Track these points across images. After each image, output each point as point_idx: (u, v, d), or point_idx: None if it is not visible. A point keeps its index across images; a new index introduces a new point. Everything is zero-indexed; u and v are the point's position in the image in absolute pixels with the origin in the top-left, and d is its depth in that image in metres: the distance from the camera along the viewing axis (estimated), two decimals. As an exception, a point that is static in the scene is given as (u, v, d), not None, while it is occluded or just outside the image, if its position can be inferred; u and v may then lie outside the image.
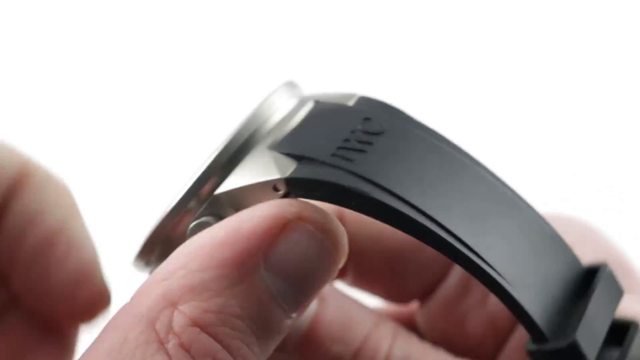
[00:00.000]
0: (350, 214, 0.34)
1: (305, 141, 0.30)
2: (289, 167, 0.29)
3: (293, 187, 0.29)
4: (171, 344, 0.27)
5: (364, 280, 0.37)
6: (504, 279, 0.28)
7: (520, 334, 0.35)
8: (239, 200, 0.29)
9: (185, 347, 0.27)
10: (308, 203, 0.29)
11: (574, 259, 0.30)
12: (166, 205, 0.30)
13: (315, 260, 0.29)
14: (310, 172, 0.28)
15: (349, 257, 0.31)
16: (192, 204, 0.30)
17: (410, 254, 0.36)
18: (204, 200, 0.30)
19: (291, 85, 0.32)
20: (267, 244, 0.28)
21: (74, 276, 0.37)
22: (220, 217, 0.29)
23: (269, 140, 0.30)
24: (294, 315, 0.29)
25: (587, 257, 0.33)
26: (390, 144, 0.29)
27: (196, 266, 0.28)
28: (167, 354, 0.27)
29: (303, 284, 0.29)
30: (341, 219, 0.34)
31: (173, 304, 0.27)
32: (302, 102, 0.31)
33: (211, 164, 0.29)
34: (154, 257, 0.31)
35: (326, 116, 0.30)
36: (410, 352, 0.35)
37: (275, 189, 0.29)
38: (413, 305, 0.38)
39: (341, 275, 0.37)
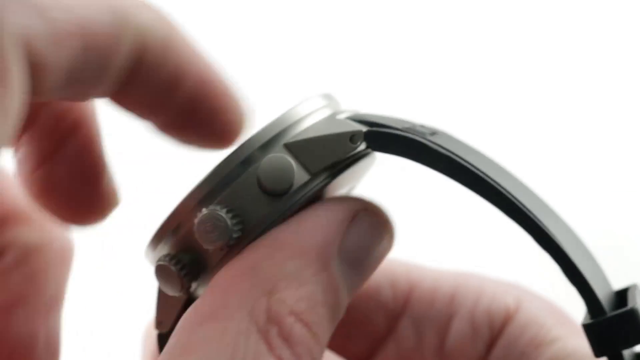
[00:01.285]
0: None
1: (375, 118, 0.30)
2: (363, 127, 0.29)
3: (372, 139, 0.29)
4: (272, 334, 0.27)
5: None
6: (571, 255, 0.29)
7: None
8: (306, 152, 0.29)
9: (284, 337, 0.27)
10: (367, 198, 0.30)
11: (605, 275, 0.31)
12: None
13: (377, 249, 0.30)
14: (388, 130, 0.29)
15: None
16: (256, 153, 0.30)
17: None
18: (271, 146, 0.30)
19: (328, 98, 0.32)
20: (342, 234, 0.29)
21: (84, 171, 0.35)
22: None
23: (346, 113, 0.31)
24: (349, 301, 0.29)
25: (528, 308, 0.35)
26: (450, 139, 0.30)
27: (282, 256, 0.28)
28: (269, 343, 0.27)
29: (364, 271, 0.30)
30: None
31: (267, 294, 0.28)
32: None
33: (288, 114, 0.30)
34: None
35: (388, 117, 0.31)
36: None
37: (352, 141, 0.29)
38: None
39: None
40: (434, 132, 0.30)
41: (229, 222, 0.29)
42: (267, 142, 0.29)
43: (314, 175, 0.29)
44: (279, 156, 0.29)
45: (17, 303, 0.34)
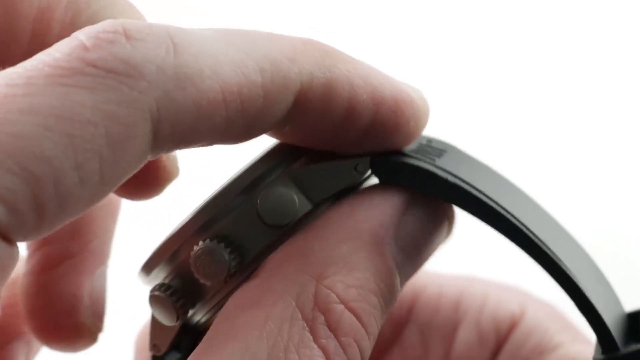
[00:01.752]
0: None
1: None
2: (366, 157, 0.28)
3: (378, 169, 0.28)
4: (318, 322, 0.26)
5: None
6: (584, 288, 0.28)
7: None
8: (316, 179, 0.28)
9: (331, 327, 0.26)
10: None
11: (618, 298, 0.30)
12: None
13: (434, 236, 0.29)
14: (393, 158, 0.28)
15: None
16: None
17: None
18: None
19: None
20: (397, 218, 0.28)
21: None
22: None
23: None
24: (402, 288, 0.28)
25: (533, 314, 0.35)
26: (459, 157, 0.29)
27: (332, 239, 0.27)
28: (315, 333, 0.26)
29: (420, 258, 0.29)
30: None
31: (315, 278, 0.26)
32: None
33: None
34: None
35: None
36: None
37: (357, 170, 0.28)
38: None
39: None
40: (442, 152, 0.29)
41: (226, 256, 0.27)
42: (268, 169, 0.28)
43: (316, 206, 0.28)
44: (280, 190, 0.28)
45: (62, 258, 0.33)
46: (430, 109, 0.29)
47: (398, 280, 0.28)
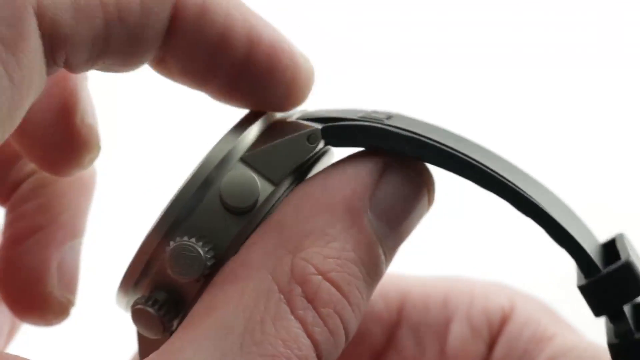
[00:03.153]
0: None
1: (326, 114, 0.29)
2: (318, 125, 0.29)
3: (330, 135, 0.28)
4: (295, 294, 0.26)
5: None
6: (559, 220, 0.28)
7: None
8: (264, 162, 0.28)
9: (308, 298, 0.26)
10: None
11: (591, 230, 0.30)
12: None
13: (414, 203, 0.28)
14: (342, 124, 0.28)
15: None
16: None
17: None
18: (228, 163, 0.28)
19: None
20: (372, 186, 0.28)
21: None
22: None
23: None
24: (389, 260, 0.28)
25: (524, 307, 0.35)
26: (406, 118, 0.29)
27: (307, 212, 0.27)
28: (292, 305, 0.26)
29: (402, 227, 0.28)
30: None
31: (291, 252, 0.26)
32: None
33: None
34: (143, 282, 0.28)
35: (339, 109, 0.30)
36: None
37: (310, 141, 0.28)
38: None
39: None
40: (389, 116, 0.29)
41: (200, 250, 0.27)
42: (222, 160, 0.28)
43: (278, 185, 0.28)
44: (239, 172, 0.28)
45: (29, 233, 0.33)
46: (314, 74, 0.29)
47: (380, 250, 0.27)
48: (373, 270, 0.27)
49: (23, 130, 0.31)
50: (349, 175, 0.27)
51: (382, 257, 0.28)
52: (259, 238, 0.27)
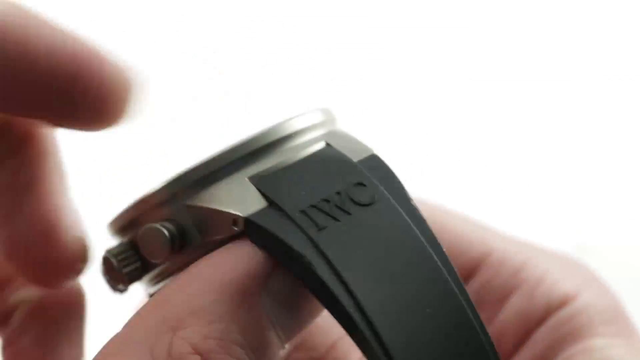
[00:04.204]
0: None
1: (286, 186, 0.28)
2: (256, 207, 0.28)
3: (249, 229, 0.28)
4: None
5: None
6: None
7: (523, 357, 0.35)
8: (200, 218, 0.29)
9: None
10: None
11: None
12: (143, 192, 0.29)
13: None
14: (268, 222, 0.28)
15: None
16: (167, 200, 0.29)
17: None
18: (174, 203, 0.29)
19: (320, 114, 0.30)
20: (270, 267, 0.27)
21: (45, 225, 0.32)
22: (180, 228, 0.29)
23: (260, 168, 0.29)
24: (287, 346, 0.27)
25: (585, 299, 0.34)
26: (366, 219, 0.28)
27: (196, 290, 0.26)
28: None
29: (303, 312, 0.27)
30: None
31: (172, 330, 0.26)
32: (317, 139, 0.30)
33: (193, 171, 0.29)
34: (123, 238, 0.30)
35: (324, 165, 0.29)
36: None
37: (234, 224, 0.28)
38: None
39: None
40: (362, 204, 0.28)
41: (168, 236, 0.28)
42: (170, 196, 0.28)
43: (204, 243, 0.28)
44: (160, 227, 0.28)
45: (28, 186, 0.32)
46: (131, 86, 0.28)
47: (274, 335, 0.26)
48: (265, 354, 0.26)
49: (10, 251, 0.32)
50: (244, 255, 0.27)
51: (276, 341, 0.27)
52: (145, 312, 0.26)
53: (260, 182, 0.28)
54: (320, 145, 0.29)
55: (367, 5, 0.76)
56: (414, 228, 0.28)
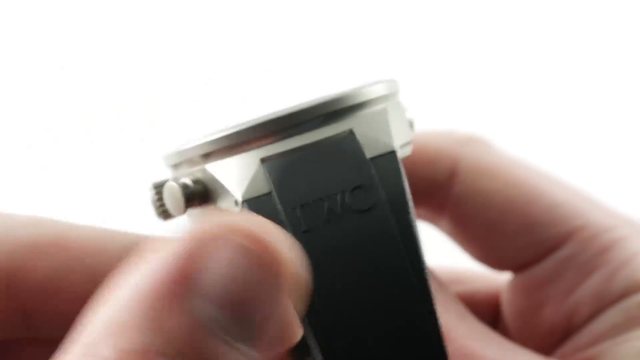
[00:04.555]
0: (467, 163, 0.35)
1: (292, 175, 0.28)
2: (258, 191, 0.28)
3: (247, 211, 0.28)
4: None
5: (462, 232, 0.36)
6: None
7: (579, 340, 0.35)
8: (215, 187, 0.29)
9: None
10: (246, 214, 0.26)
11: None
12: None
13: (254, 279, 0.24)
14: (261, 211, 0.27)
15: (454, 204, 0.32)
16: (193, 159, 0.29)
17: (521, 224, 0.35)
18: (198, 164, 0.29)
19: (351, 95, 0.29)
20: (193, 268, 0.23)
21: None
22: (199, 189, 0.29)
23: (276, 149, 0.29)
24: (246, 346, 0.24)
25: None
26: (354, 227, 0.28)
27: (114, 304, 0.24)
28: None
29: (245, 309, 0.24)
30: (455, 168, 0.35)
31: (92, 350, 0.23)
32: (343, 124, 0.29)
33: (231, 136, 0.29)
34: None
35: (336, 157, 0.29)
36: (473, 333, 0.34)
37: (236, 203, 0.28)
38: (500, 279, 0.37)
39: (436, 219, 0.37)
40: (355, 210, 0.28)
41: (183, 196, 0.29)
42: (197, 157, 0.29)
43: (219, 209, 0.29)
44: (173, 184, 0.30)
45: None
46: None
47: (218, 338, 0.23)
48: None
49: None
50: (164, 258, 0.24)
51: (225, 345, 0.24)
52: (71, 340, 0.24)
53: (270, 166, 0.28)
54: (343, 131, 0.29)
55: (367, 6, 0.76)
56: (399, 243, 0.27)
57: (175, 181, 0.29)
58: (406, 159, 0.30)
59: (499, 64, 0.73)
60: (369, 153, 0.29)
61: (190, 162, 0.30)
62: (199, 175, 0.29)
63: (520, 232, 0.35)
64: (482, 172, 0.35)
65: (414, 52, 0.74)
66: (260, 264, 0.24)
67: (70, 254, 0.29)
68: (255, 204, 0.28)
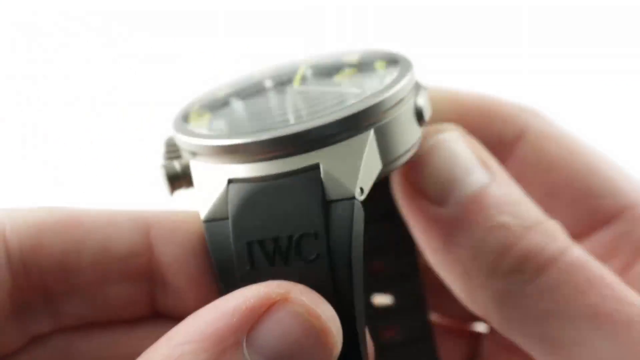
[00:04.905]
0: (535, 128, 0.36)
1: (251, 206, 0.29)
2: (219, 214, 0.29)
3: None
4: None
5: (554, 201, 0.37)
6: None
7: None
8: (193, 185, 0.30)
9: None
10: (299, 285, 0.28)
11: None
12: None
13: (301, 342, 0.27)
14: (214, 238, 0.29)
15: (517, 163, 0.34)
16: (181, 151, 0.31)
17: (581, 191, 0.37)
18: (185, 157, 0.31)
19: (323, 127, 0.29)
20: (250, 322, 0.27)
21: None
22: (185, 177, 0.31)
23: (245, 173, 0.29)
24: None
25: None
26: (295, 275, 0.28)
27: (179, 339, 0.27)
28: None
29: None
30: (524, 131, 0.36)
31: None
32: (310, 157, 0.29)
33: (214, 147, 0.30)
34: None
35: (293, 197, 0.29)
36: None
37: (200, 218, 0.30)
38: None
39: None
40: (303, 257, 0.28)
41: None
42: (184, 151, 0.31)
43: None
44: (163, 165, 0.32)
45: None
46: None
47: None
48: None
49: None
50: (228, 309, 0.27)
51: None
52: None
53: (234, 192, 0.29)
54: (309, 165, 0.29)
55: (365, 8, 0.76)
56: (333, 298, 0.28)
57: (166, 162, 0.31)
58: (476, 116, 0.33)
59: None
60: (328, 194, 0.29)
61: (182, 150, 0.31)
62: (188, 163, 0.30)
63: (578, 199, 0.36)
64: (549, 138, 0.37)
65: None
66: (310, 330, 0.27)
67: (82, 229, 0.31)
68: (213, 227, 0.29)
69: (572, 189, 0.37)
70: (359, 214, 0.28)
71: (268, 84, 0.34)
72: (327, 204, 0.28)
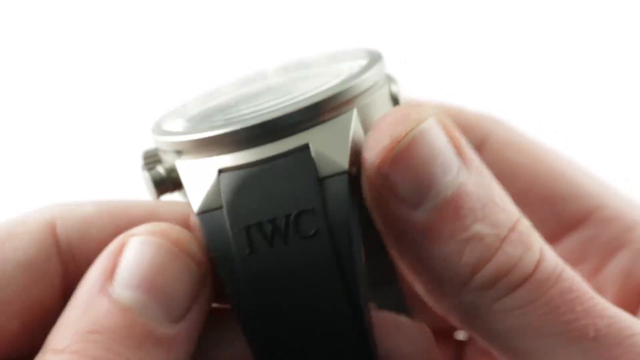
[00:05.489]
0: (496, 136, 0.37)
1: (245, 192, 0.29)
2: (212, 205, 0.29)
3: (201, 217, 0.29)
4: None
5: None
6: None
7: None
8: (181, 187, 0.30)
9: None
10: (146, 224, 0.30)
11: None
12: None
13: (166, 264, 0.29)
14: (210, 228, 0.29)
15: None
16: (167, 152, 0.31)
17: (545, 197, 0.37)
18: (171, 158, 0.31)
19: (310, 107, 0.30)
20: (111, 263, 0.29)
21: None
22: (171, 180, 0.31)
23: (235, 161, 0.29)
24: (172, 323, 0.29)
25: None
26: (297, 253, 0.29)
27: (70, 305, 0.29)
28: None
29: (161, 290, 0.29)
30: (485, 139, 0.36)
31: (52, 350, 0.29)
32: (300, 137, 0.30)
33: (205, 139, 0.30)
34: None
35: (286, 178, 0.29)
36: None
37: (193, 212, 0.30)
38: None
39: None
40: (300, 234, 0.28)
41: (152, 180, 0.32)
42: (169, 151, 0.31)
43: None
44: (147, 172, 0.32)
45: None
46: None
47: (145, 317, 0.28)
48: (135, 337, 0.28)
49: None
50: (90, 272, 0.29)
51: (154, 322, 0.29)
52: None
53: (225, 181, 0.29)
54: (299, 146, 0.29)
55: (364, 9, 0.76)
56: (336, 274, 0.28)
57: (149, 169, 0.31)
58: None
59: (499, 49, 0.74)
60: (321, 172, 0.29)
61: (165, 152, 0.31)
62: (172, 166, 0.31)
63: (543, 205, 0.36)
64: (511, 145, 0.37)
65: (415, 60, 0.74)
66: (170, 251, 0.29)
67: (128, 220, 0.32)
68: (208, 217, 0.29)
69: (537, 195, 0.36)
70: (353, 187, 0.29)
71: (240, 85, 0.35)
72: (320, 181, 0.29)
